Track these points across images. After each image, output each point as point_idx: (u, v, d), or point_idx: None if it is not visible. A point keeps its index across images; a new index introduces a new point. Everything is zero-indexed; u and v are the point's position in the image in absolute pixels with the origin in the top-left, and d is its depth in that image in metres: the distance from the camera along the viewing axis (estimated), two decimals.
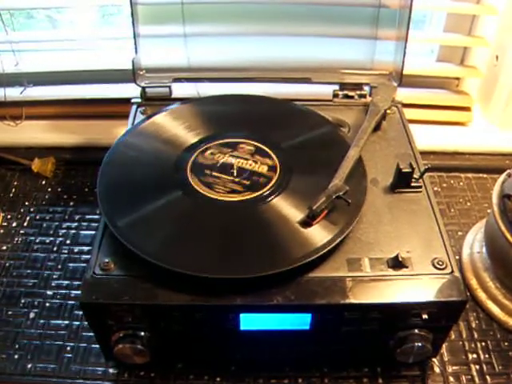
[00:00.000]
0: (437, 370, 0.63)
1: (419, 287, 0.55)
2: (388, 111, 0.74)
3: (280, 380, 0.63)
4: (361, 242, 0.58)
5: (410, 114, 0.77)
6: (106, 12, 1.05)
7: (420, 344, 0.56)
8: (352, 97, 0.78)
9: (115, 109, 0.89)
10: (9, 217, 0.81)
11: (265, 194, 0.61)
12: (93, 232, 0.78)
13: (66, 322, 0.68)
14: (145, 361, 0.58)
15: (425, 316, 0.54)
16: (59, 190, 0.86)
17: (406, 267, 0.56)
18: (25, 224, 0.80)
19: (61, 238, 0.78)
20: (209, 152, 0.66)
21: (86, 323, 0.65)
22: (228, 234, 0.58)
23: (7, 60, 0.88)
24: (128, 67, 0.75)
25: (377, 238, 0.59)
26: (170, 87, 0.77)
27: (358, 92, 0.78)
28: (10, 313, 0.69)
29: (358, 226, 0.59)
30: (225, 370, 0.63)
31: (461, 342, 0.66)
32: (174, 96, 0.78)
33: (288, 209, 0.59)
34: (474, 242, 0.75)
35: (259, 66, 0.79)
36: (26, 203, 0.83)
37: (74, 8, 0.95)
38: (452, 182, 0.87)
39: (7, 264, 0.74)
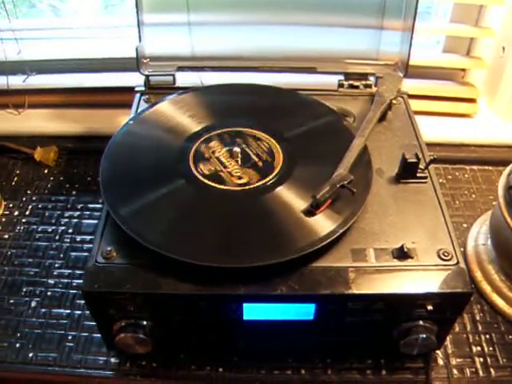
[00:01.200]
0: (441, 362, 0.63)
1: (424, 278, 0.54)
2: (394, 102, 0.73)
3: (283, 371, 0.62)
4: (365, 232, 0.58)
5: (415, 105, 0.77)
6: (109, 3, 1.04)
7: (424, 335, 0.55)
8: (357, 87, 0.77)
9: (118, 97, 0.88)
10: (11, 205, 0.81)
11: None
12: (95, 221, 0.77)
13: (68, 311, 0.68)
14: (147, 350, 0.57)
15: (429, 307, 0.54)
16: (61, 178, 0.85)
17: (411, 258, 0.55)
18: (27, 213, 0.80)
19: (63, 227, 0.77)
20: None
21: (87, 312, 0.65)
22: (231, 223, 0.57)
23: (10, 48, 0.87)
24: (132, 55, 0.75)
25: (382, 228, 0.58)
26: (173, 76, 0.77)
27: (364, 82, 0.77)
28: (11, 301, 0.69)
29: (363, 215, 0.59)
30: (227, 360, 0.63)
31: (465, 335, 0.66)
32: (177, 85, 0.77)
33: (292, 198, 0.59)
34: (478, 235, 0.74)
35: (264, 55, 0.79)
36: (28, 192, 0.83)
37: None
38: (457, 173, 0.87)
39: (9, 253, 0.74)
